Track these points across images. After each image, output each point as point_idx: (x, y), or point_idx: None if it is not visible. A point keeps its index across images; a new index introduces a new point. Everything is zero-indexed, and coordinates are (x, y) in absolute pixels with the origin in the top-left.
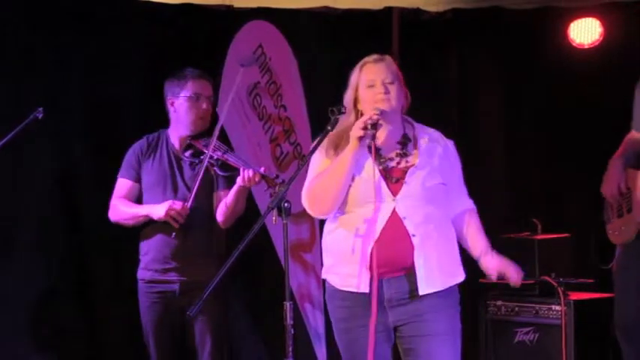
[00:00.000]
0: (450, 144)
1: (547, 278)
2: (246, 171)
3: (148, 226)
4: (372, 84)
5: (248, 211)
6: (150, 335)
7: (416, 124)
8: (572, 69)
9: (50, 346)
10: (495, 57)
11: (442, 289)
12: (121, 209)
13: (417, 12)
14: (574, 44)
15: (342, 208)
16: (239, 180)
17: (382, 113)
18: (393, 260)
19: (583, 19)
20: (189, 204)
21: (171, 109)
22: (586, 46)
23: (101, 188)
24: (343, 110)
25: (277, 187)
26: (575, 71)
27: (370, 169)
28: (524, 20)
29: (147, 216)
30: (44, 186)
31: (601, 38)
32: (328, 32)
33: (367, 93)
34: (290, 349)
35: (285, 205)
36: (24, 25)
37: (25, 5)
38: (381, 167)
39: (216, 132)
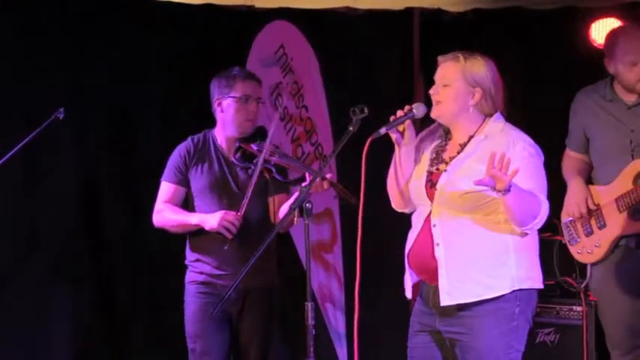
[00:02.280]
0: (520, 146)
1: (568, 279)
2: (317, 178)
3: (198, 235)
4: (434, 80)
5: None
6: (196, 338)
7: (493, 126)
8: (593, 69)
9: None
10: (516, 57)
11: (468, 301)
12: (168, 215)
13: (437, 12)
14: (595, 44)
15: None
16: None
17: (410, 112)
18: (424, 268)
19: (604, 19)
20: (241, 212)
21: (217, 109)
22: None
23: (123, 191)
24: (365, 111)
25: (354, 201)
26: (597, 71)
27: (420, 170)
28: (545, 20)
29: (198, 225)
30: (66, 187)
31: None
32: (349, 32)
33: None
34: (311, 349)
35: (307, 205)
36: (47, 27)
37: (48, 7)
38: (433, 169)
39: (271, 136)
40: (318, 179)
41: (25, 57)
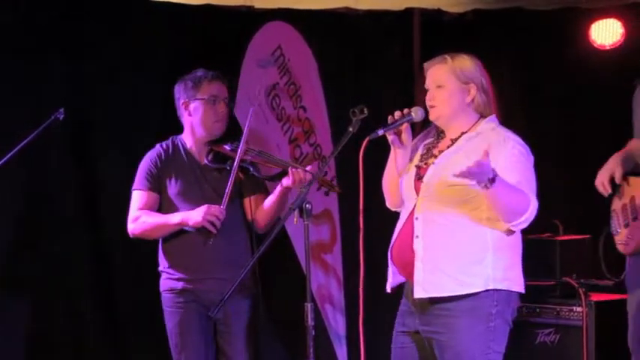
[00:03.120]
0: (509, 145)
1: (568, 279)
2: (295, 172)
3: (173, 238)
4: (426, 88)
5: None
6: (179, 347)
7: (485, 125)
8: (593, 70)
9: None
10: (516, 58)
11: (440, 295)
12: (146, 220)
13: (437, 13)
14: (595, 45)
15: None
16: (285, 180)
17: (408, 115)
18: (404, 262)
19: (604, 20)
20: (224, 206)
21: (184, 113)
22: (607, 47)
23: (123, 192)
24: (365, 112)
25: (337, 190)
26: (597, 72)
27: (412, 166)
28: (545, 21)
29: (180, 224)
30: (65, 188)
31: (622, 39)
32: (349, 33)
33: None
34: (311, 350)
35: (307, 206)
36: (45, 28)
37: (47, 8)
38: (422, 163)
39: (245, 135)
40: (297, 172)
41: (25, 57)
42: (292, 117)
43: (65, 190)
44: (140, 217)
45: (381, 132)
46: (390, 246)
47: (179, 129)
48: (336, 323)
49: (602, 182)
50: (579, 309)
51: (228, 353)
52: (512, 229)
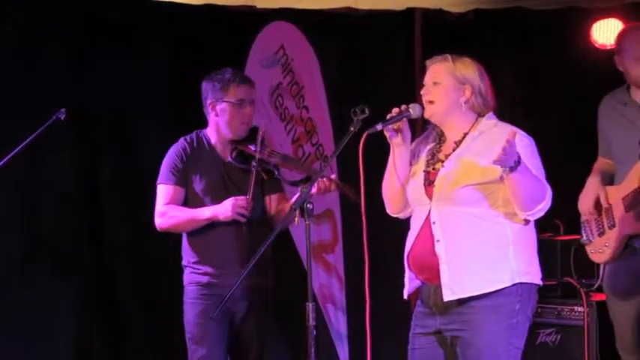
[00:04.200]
0: (517, 137)
1: (569, 279)
2: (321, 181)
3: (201, 232)
4: (424, 83)
5: None
6: (196, 340)
7: (486, 123)
8: (594, 70)
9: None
10: (517, 58)
11: (470, 294)
12: (174, 214)
13: (439, 13)
14: (597, 45)
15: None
16: (312, 189)
17: (406, 111)
18: (425, 267)
19: (605, 20)
20: (249, 196)
21: (211, 113)
22: (609, 47)
23: (124, 192)
24: (366, 111)
25: (350, 195)
26: (598, 72)
27: (418, 170)
28: (546, 21)
29: (210, 219)
30: (67, 188)
31: (616, 39)
32: (350, 33)
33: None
34: (312, 350)
35: (308, 206)
36: (48, 29)
37: (49, 9)
38: (430, 169)
39: (260, 137)
40: (323, 181)
41: (27, 58)
42: (295, 117)
43: (67, 190)
44: (168, 212)
45: (379, 127)
46: (407, 252)
47: (182, 128)
48: (338, 323)
49: (588, 210)
50: (580, 309)
51: (243, 344)
52: (529, 218)
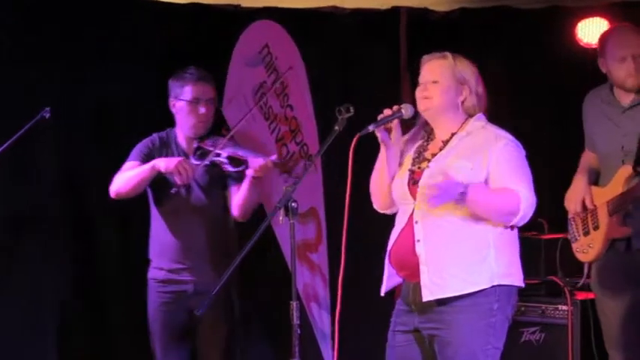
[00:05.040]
0: (501, 143)
1: (553, 278)
2: (256, 161)
3: (158, 226)
4: (420, 81)
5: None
6: (157, 336)
7: (475, 124)
8: (579, 68)
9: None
10: (503, 56)
11: (449, 295)
12: (121, 175)
13: (424, 12)
14: (582, 44)
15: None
16: (249, 171)
17: (398, 112)
18: (405, 266)
19: (591, 19)
20: (204, 163)
21: (173, 110)
22: (594, 46)
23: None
24: (351, 110)
25: (291, 171)
26: (583, 71)
27: (404, 169)
28: (531, 19)
29: (152, 169)
30: (52, 187)
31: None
32: (335, 32)
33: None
34: (296, 349)
35: (293, 204)
36: (32, 26)
37: (33, 6)
38: (415, 167)
39: (233, 131)
40: (259, 161)
41: (12, 56)
42: (279, 116)
43: (51, 189)
44: (117, 176)
45: (371, 128)
46: (389, 249)
47: (166, 126)
48: (322, 322)
49: (575, 209)
50: (564, 307)
51: (204, 342)
52: (513, 225)
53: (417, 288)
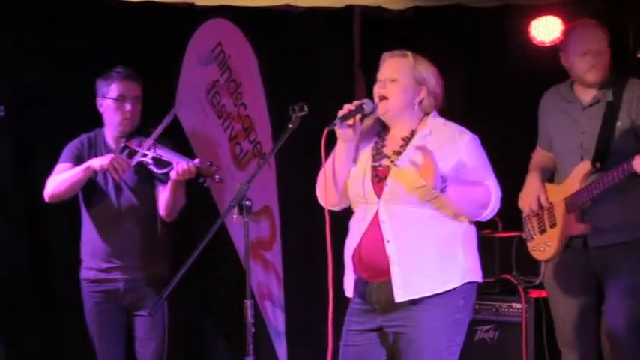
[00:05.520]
0: (466, 139)
1: (507, 276)
2: (179, 164)
3: (87, 226)
4: (379, 78)
5: (204, 208)
6: (95, 335)
7: (434, 121)
8: (533, 67)
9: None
10: (457, 55)
11: (424, 295)
12: (55, 178)
13: (378, 10)
14: (535, 42)
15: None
16: (172, 174)
17: (360, 107)
18: (372, 266)
19: (544, 17)
20: (133, 163)
21: (101, 109)
22: (547, 44)
23: None
24: (305, 108)
25: (217, 177)
26: (537, 69)
27: (362, 165)
28: (485, 18)
29: (87, 169)
30: (4, 186)
31: (562, 36)
32: (289, 30)
33: (375, 87)
34: (250, 347)
35: (246, 203)
36: None
37: None
38: (376, 164)
39: (158, 131)
40: (182, 165)
41: None
42: (232, 114)
43: (5, 189)
44: (50, 178)
45: (338, 122)
46: (352, 251)
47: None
48: (276, 320)
49: (529, 208)
50: (518, 305)
51: (139, 336)
52: (482, 220)
53: (384, 288)
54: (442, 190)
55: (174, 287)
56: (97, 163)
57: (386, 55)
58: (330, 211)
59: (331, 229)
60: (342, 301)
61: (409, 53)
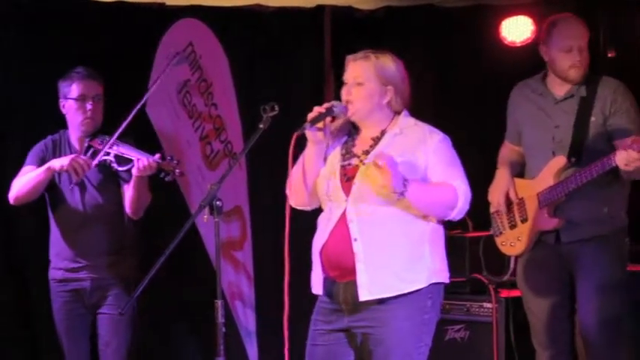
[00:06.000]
0: (436, 139)
1: (478, 276)
2: (139, 160)
3: (54, 226)
4: (344, 81)
5: (175, 208)
6: (62, 335)
7: (405, 121)
8: (504, 67)
9: None
10: (428, 54)
11: (389, 295)
12: (19, 180)
13: (349, 10)
14: (506, 42)
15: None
16: (134, 170)
17: (330, 110)
18: (339, 265)
19: (514, 17)
20: (94, 162)
21: (63, 110)
22: (518, 44)
23: None
24: (276, 108)
25: (177, 172)
26: (508, 69)
27: (331, 165)
28: (456, 18)
29: (47, 170)
30: None
31: (533, 36)
32: (260, 30)
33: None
34: (221, 347)
35: (217, 203)
36: None
37: None
38: (345, 163)
39: (120, 129)
40: (142, 161)
41: None
42: (203, 114)
43: None
44: (14, 181)
45: (308, 126)
46: (319, 248)
47: None
48: (247, 320)
49: (498, 202)
50: (489, 305)
51: (104, 337)
52: (450, 219)
53: (350, 287)
54: (402, 193)
55: (145, 287)
56: (57, 163)
57: (349, 58)
58: (291, 213)
59: (302, 228)
60: (309, 299)
61: (371, 54)
